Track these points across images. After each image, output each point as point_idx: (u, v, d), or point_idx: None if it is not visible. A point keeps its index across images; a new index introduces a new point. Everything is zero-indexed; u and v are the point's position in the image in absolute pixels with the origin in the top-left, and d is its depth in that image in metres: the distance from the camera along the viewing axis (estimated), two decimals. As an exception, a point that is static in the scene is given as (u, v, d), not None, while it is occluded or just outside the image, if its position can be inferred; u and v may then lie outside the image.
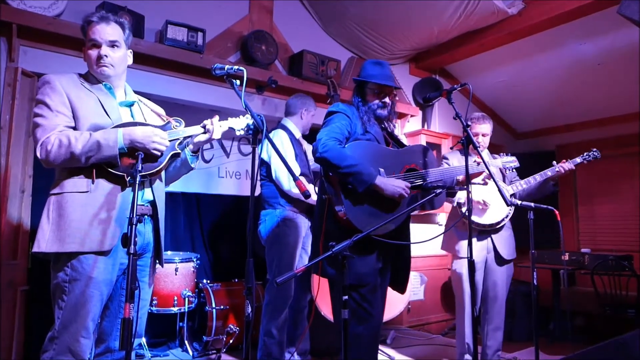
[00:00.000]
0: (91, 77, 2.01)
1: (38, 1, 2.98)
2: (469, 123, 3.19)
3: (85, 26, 1.96)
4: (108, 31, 1.94)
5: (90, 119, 1.89)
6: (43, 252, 1.81)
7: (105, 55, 1.94)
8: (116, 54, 1.97)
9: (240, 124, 2.08)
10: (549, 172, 3.12)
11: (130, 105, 2.09)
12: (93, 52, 1.95)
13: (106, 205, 1.85)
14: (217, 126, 2.06)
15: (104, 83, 2.00)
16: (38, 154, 1.83)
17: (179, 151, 2.04)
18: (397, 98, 2.60)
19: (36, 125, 1.86)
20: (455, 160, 3.20)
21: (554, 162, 3.14)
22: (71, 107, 1.89)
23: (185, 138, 2.05)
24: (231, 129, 2.10)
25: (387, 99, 2.46)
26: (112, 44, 1.96)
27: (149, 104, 2.21)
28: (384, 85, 2.43)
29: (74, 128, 1.88)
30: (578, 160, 3.15)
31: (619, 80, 4.65)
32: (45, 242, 1.81)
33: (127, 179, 1.87)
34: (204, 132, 2.06)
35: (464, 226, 3.12)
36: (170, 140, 1.98)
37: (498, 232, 3.20)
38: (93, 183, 1.84)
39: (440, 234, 3.23)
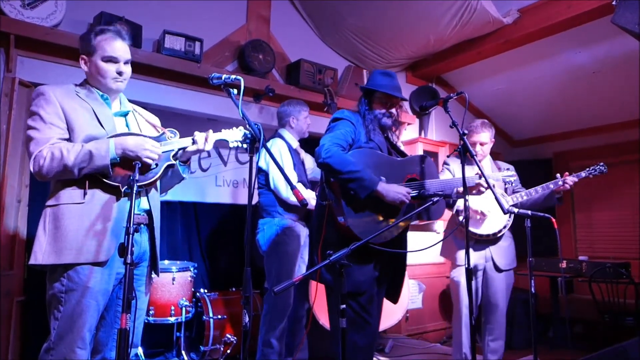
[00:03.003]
0: (88, 87, 2.01)
1: (36, 12, 2.99)
2: (466, 131, 3.20)
3: (96, 36, 1.96)
4: (125, 49, 1.99)
5: (84, 131, 1.89)
6: (40, 264, 1.81)
7: (124, 72, 1.99)
8: (129, 70, 2.03)
9: (233, 135, 2.08)
10: (551, 185, 3.05)
11: (125, 114, 2.09)
12: (111, 67, 1.96)
13: (102, 215, 1.85)
14: (209, 138, 2.06)
15: (101, 94, 2.01)
16: (31, 168, 1.83)
17: (174, 162, 2.05)
18: (403, 109, 2.62)
19: (30, 139, 1.86)
20: (456, 166, 3.18)
21: (558, 175, 3.06)
22: (65, 119, 1.89)
23: (180, 149, 2.06)
24: (224, 141, 2.10)
25: (393, 110, 2.48)
26: (127, 62, 2.01)
27: (144, 114, 2.21)
28: (392, 96, 2.45)
29: (69, 140, 1.88)
30: (583, 174, 3.06)
31: (615, 88, 4.68)
32: (42, 254, 1.81)
33: (123, 189, 1.87)
34: (194, 144, 2.06)
35: (462, 234, 3.10)
36: (165, 152, 2.00)
37: (496, 242, 3.18)
38: (86, 194, 1.85)
39: (438, 242, 3.21)
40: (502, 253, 3.19)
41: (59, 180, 1.87)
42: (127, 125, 2.07)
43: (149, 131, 2.13)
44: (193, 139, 2.06)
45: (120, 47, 1.97)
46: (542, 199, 3.14)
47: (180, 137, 2.09)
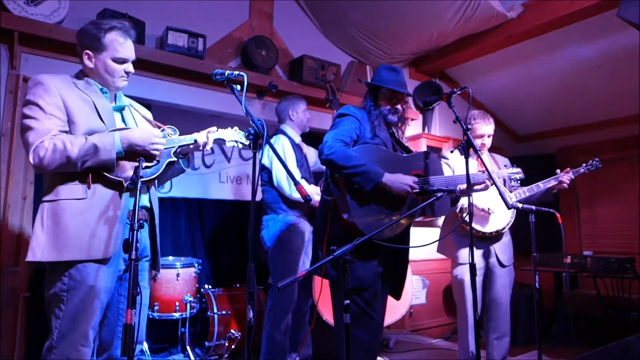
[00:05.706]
0: (86, 79, 1.98)
1: (39, 8, 3.00)
2: (469, 126, 3.17)
3: (105, 33, 1.93)
4: (133, 48, 2.00)
5: (85, 124, 1.86)
6: (39, 261, 1.77)
7: (131, 71, 2.01)
8: (132, 68, 2.04)
9: (229, 135, 2.08)
10: (552, 181, 3.05)
11: (121, 109, 2.07)
12: (119, 66, 1.97)
13: (105, 211, 1.83)
14: (208, 137, 2.06)
15: (100, 87, 1.99)
16: (31, 159, 1.77)
17: (175, 159, 2.03)
18: (408, 104, 2.61)
19: (28, 128, 1.80)
20: (456, 161, 3.15)
21: (558, 171, 3.07)
22: (66, 111, 1.85)
23: (180, 146, 2.05)
24: (221, 140, 2.10)
25: (399, 106, 2.47)
26: (134, 60, 2.03)
27: (139, 108, 2.19)
28: (397, 92, 2.43)
29: (68, 133, 1.85)
30: (581, 170, 3.12)
31: (619, 83, 4.66)
32: (40, 250, 1.76)
33: (126, 185, 1.85)
34: (195, 143, 2.05)
35: (463, 232, 3.07)
36: (166, 148, 1.99)
37: (499, 239, 3.15)
38: (89, 189, 1.82)
39: (443, 237, 3.21)
40: (505, 249, 3.17)
41: (57, 174, 1.83)
42: (123, 120, 2.05)
43: (146, 126, 2.11)
44: (194, 139, 2.05)
45: (130, 47, 1.99)
46: (538, 195, 3.13)
47: (181, 135, 2.09)
